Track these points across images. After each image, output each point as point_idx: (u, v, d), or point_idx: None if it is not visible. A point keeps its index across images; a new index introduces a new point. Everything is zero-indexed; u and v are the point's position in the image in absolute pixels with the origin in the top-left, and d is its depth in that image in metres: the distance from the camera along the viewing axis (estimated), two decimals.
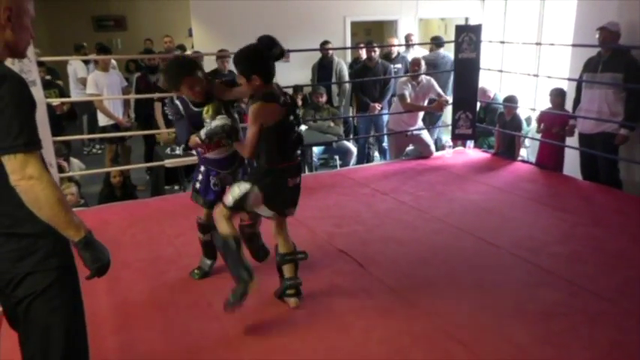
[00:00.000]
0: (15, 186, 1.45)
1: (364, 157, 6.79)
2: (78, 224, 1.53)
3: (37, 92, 4.06)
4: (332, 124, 6.59)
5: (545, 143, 5.15)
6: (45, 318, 1.60)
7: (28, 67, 3.85)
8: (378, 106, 6.61)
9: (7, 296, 1.62)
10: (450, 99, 5.64)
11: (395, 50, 7.25)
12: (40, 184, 1.44)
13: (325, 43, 7.06)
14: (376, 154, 7.20)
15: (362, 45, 7.29)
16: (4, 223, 1.56)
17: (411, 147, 5.71)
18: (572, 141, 5.01)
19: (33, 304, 1.58)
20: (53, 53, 7.46)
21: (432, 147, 5.69)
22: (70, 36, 10.24)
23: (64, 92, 6.91)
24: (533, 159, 5.80)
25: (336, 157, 6.64)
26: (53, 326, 1.61)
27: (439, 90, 5.54)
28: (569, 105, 5.04)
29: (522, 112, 5.68)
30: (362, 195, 4.51)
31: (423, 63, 5.49)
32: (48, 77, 6.80)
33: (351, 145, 6.48)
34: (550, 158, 5.07)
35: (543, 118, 5.18)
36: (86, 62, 8.15)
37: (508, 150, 5.49)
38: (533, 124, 5.93)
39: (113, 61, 7.00)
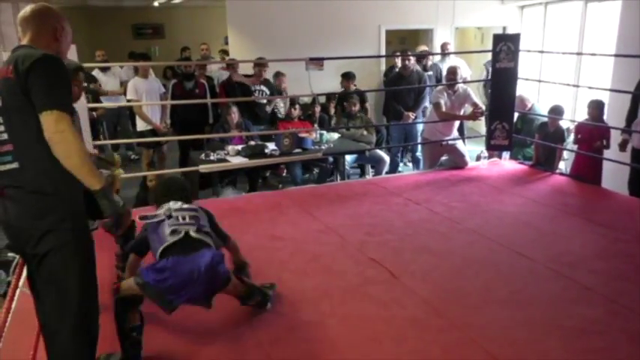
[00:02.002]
0: (49, 139, 1.71)
1: (397, 166, 6.75)
2: (99, 177, 1.78)
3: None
4: (365, 132, 6.58)
5: (583, 155, 5.01)
6: (61, 273, 1.81)
7: None
8: (412, 114, 6.58)
9: (28, 255, 1.84)
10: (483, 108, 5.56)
11: (429, 59, 7.21)
12: (69, 136, 1.71)
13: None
14: (408, 163, 7.15)
15: (398, 53, 7.28)
16: (28, 181, 1.78)
17: (445, 157, 5.65)
18: (612, 154, 4.87)
19: (51, 259, 1.80)
20: (94, 59, 7.67)
21: (467, 157, 5.62)
22: (110, 43, 10.52)
23: (98, 98, 7.06)
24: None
25: (369, 166, 6.62)
26: (69, 280, 1.81)
27: (475, 99, 5.47)
28: (607, 116, 4.90)
29: (562, 124, 5.56)
30: (394, 204, 4.47)
31: (459, 72, 5.43)
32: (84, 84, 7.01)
33: (384, 154, 6.46)
34: (588, 170, 4.94)
35: (580, 129, 5.06)
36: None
37: (547, 162, 5.37)
38: (572, 137, 5.79)
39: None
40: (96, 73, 7.36)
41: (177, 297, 2.23)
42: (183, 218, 2.36)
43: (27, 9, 1.97)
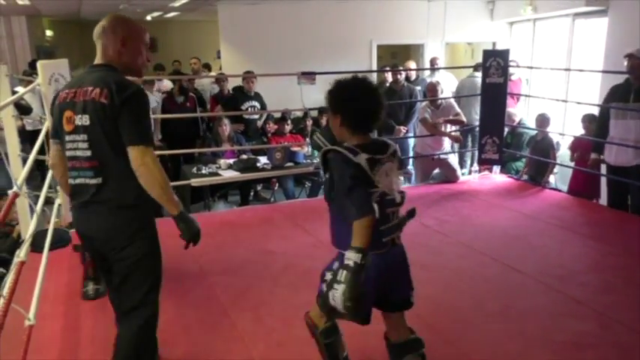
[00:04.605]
0: (136, 170, 1.88)
1: None
2: (177, 203, 1.97)
3: None
4: None
5: (580, 170, 5.03)
6: (139, 276, 2.03)
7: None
8: (403, 129, 6.61)
9: (111, 260, 2.02)
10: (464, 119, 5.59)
11: (413, 74, 7.27)
12: (153, 169, 1.88)
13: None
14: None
15: (388, 68, 7.33)
16: (110, 195, 1.95)
17: (437, 171, 5.68)
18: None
19: (131, 265, 2.00)
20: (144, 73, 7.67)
21: (459, 172, 5.66)
22: None
23: None
24: (561, 186, 5.71)
25: None
26: (146, 281, 2.07)
27: (457, 109, 5.50)
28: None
29: (552, 137, 5.61)
30: None
31: (439, 87, 5.46)
32: None
33: None
34: (585, 186, 4.96)
35: (577, 144, 5.08)
36: None
37: (537, 173, 5.41)
38: (562, 151, 5.84)
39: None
40: None
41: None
42: None
43: (100, 22, 2.04)
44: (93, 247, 2.08)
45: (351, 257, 1.71)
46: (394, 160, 1.91)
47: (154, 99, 6.41)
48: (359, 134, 1.88)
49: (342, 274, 1.71)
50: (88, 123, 1.91)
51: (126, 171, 1.90)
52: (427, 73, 7.72)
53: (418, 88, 7.09)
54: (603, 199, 4.90)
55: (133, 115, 1.89)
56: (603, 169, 4.83)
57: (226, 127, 5.95)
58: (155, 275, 2.12)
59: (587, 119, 4.97)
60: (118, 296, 2.10)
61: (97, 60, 2.03)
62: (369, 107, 1.88)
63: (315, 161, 5.78)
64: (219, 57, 9.01)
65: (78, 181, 1.98)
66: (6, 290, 2.12)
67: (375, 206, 1.77)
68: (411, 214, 1.94)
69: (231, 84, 6.89)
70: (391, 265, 1.94)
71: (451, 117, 5.39)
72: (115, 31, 2.00)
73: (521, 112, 6.66)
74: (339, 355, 2.11)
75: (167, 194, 1.93)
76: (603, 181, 4.89)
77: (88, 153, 1.93)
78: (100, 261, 2.12)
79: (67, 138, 1.97)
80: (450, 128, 5.51)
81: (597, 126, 4.72)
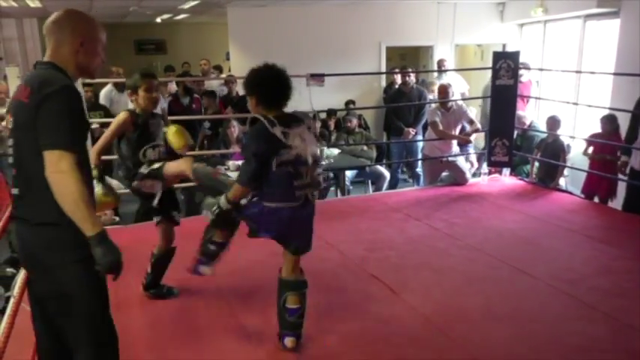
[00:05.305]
0: (47, 177, 1.61)
1: (397, 182, 6.76)
2: (94, 221, 1.64)
3: None
4: (365, 148, 6.60)
5: (597, 169, 4.98)
6: (68, 312, 1.75)
7: None
8: (412, 131, 6.60)
9: (41, 283, 1.79)
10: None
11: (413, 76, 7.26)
12: (69, 178, 1.60)
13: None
14: (408, 179, 7.16)
15: (397, 70, 7.32)
16: (28, 209, 1.72)
17: (445, 173, 5.66)
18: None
19: (56, 297, 1.75)
20: (98, 76, 7.66)
21: (468, 174, 5.63)
22: (113, 59, 10.60)
23: (109, 114, 6.82)
24: (572, 189, 5.67)
25: (369, 182, 6.63)
26: (78, 319, 1.76)
27: (471, 116, 5.49)
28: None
29: (562, 139, 5.57)
30: (395, 220, 4.47)
31: (450, 90, 5.45)
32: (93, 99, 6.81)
33: (384, 170, 6.47)
34: (600, 186, 4.92)
35: (594, 144, 5.04)
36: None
37: (547, 176, 5.37)
38: (573, 153, 5.80)
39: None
40: (109, 91, 6.93)
41: None
42: None
43: (52, 16, 1.80)
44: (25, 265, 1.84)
45: (222, 203, 2.37)
46: (309, 131, 2.33)
47: (162, 102, 6.41)
48: (273, 110, 2.31)
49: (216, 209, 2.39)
50: (12, 125, 1.72)
51: (47, 184, 1.63)
52: (435, 74, 7.70)
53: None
54: (619, 200, 4.85)
55: (52, 115, 1.63)
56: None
57: (235, 129, 5.97)
58: (92, 318, 1.79)
59: (607, 120, 4.90)
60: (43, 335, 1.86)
61: (46, 57, 1.79)
62: (276, 87, 2.31)
63: (323, 162, 5.78)
64: (228, 59, 9.03)
65: (13, 190, 1.76)
66: (16, 290, 2.13)
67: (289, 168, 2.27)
68: (325, 180, 2.33)
69: (240, 86, 6.90)
70: (299, 217, 2.37)
71: (468, 130, 5.40)
72: (74, 28, 1.77)
73: (531, 115, 6.61)
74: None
75: (82, 210, 1.60)
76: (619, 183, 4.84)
77: (11, 160, 1.74)
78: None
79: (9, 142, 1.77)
80: (458, 129, 5.49)
81: (628, 127, 4.68)
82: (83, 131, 1.77)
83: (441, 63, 7.58)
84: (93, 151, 2.74)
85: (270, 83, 2.31)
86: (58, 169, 1.60)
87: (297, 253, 2.49)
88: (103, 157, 2.89)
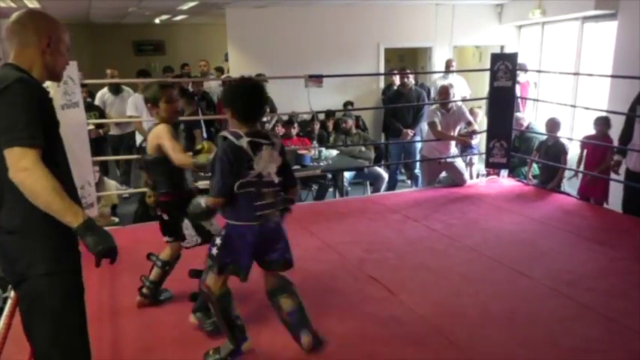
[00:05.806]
0: (12, 179, 1.52)
1: (395, 183, 6.76)
2: (76, 211, 1.56)
3: (79, 114, 4.18)
4: (363, 149, 6.60)
5: (589, 174, 4.99)
6: (34, 326, 1.67)
7: (72, 89, 3.98)
8: (410, 132, 6.61)
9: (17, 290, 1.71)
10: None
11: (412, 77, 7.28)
12: (33, 174, 1.51)
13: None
14: (407, 180, 7.17)
15: (395, 71, 7.33)
16: (6, 221, 1.63)
17: (444, 174, 5.66)
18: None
19: (24, 310, 1.68)
20: (95, 76, 7.67)
21: (466, 175, 5.64)
22: (112, 60, 10.60)
23: (104, 115, 6.80)
24: (569, 190, 5.67)
25: (367, 183, 6.63)
26: (40, 334, 1.67)
27: (470, 118, 5.50)
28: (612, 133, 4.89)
29: (563, 142, 5.57)
30: (393, 221, 4.47)
31: (451, 91, 5.45)
32: (89, 99, 6.81)
33: (383, 171, 6.47)
34: (594, 189, 4.93)
35: (588, 147, 5.05)
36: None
37: (550, 179, 5.38)
38: (570, 155, 5.80)
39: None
40: (103, 94, 6.90)
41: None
42: None
43: (12, 16, 1.72)
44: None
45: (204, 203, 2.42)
46: (277, 151, 2.34)
47: None
48: (246, 124, 2.31)
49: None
50: None
51: (10, 188, 1.55)
52: (437, 76, 7.70)
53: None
54: (612, 204, 4.86)
55: (5, 111, 1.54)
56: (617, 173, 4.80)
57: None
58: (64, 337, 1.69)
59: (601, 122, 4.92)
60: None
61: (11, 60, 1.72)
62: (251, 102, 2.31)
63: (322, 164, 5.79)
64: (226, 60, 9.03)
65: None
66: (13, 291, 2.12)
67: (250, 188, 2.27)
68: (285, 201, 2.43)
69: None
70: (262, 235, 2.35)
71: (465, 130, 5.41)
72: (38, 28, 1.70)
73: (529, 117, 6.62)
74: (232, 315, 2.43)
75: (58, 202, 1.52)
76: (614, 185, 4.85)
77: None
78: None
79: None
80: (457, 130, 5.50)
81: (623, 128, 4.69)
82: (49, 127, 1.65)
83: (449, 63, 7.51)
84: (184, 156, 2.68)
85: (245, 99, 2.31)
86: (21, 168, 1.51)
87: (275, 269, 2.47)
88: (102, 158, 2.88)
